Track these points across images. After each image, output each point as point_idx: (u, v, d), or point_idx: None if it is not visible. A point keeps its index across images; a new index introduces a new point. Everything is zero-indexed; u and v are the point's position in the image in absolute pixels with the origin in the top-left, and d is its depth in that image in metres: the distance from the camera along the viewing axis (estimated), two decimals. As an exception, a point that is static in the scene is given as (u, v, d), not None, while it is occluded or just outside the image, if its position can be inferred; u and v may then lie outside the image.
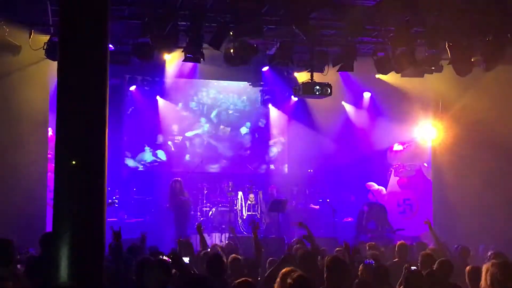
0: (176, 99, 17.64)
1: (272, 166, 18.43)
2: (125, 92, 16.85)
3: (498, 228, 12.83)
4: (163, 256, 6.03)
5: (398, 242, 9.44)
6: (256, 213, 16.06)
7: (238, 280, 5.42)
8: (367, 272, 7.04)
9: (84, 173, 4.62)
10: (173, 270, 5.95)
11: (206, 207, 15.99)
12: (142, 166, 17.40)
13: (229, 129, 18.18)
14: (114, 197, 15.16)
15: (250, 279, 5.54)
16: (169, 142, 17.69)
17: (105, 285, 5.20)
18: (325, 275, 5.90)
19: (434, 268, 6.91)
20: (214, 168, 17.91)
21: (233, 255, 7.89)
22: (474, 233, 12.66)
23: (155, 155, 17.56)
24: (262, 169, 18.23)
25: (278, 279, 6.01)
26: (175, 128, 17.73)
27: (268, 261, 8.03)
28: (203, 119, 17.96)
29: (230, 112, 18.17)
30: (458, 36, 11.77)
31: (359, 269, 7.30)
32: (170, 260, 5.76)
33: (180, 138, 17.78)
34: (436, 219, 15.65)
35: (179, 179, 15.17)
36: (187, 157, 17.76)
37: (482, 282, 5.85)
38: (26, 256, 7.86)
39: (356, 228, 15.08)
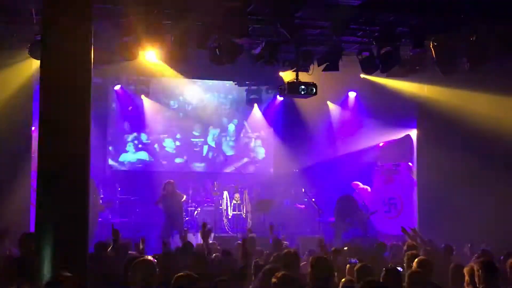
0: (161, 99, 17.57)
1: (257, 166, 18.43)
2: (110, 91, 16.77)
3: (483, 226, 12.91)
4: (148, 256, 6.00)
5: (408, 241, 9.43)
6: (242, 212, 16.05)
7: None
8: (351, 271, 7.05)
9: (67, 173, 4.59)
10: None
11: (191, 206, 15.95)
12: (126, 166, 17.33)
13: (214, 128, 18.14)
14: (101, 196, 15.09)
15: (224, 278, 5.53)
16: (154, 142, 17.63)
17: (90, 284, 5.17)
18: (309, 275, 5.90)
19: (413, 267, 6.91)
20: (199, 167, 17.88)
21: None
22: (459, 231, 12.72)
23: (139, 154, 17.50)
24: (247, 169, 18.22)
25: (260, 274, 5.99)
26: (159, 127, 17.67)
27: (253, 263, 7.99)
28: (188, 118, 17.91)
29: (215, 111, 18.13)
30: (443, 36, 11.83)
31: (347, 268, 7.33)
32: (155, 260, 5.74)
33: (165, 137, 17.72)
34: (421, 217, 15.76)
35: (172, 181, 15.00)
36: (172, 156, 17.71)
37: (465, 281, 5.90)
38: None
39: (334, 227, 15.06)
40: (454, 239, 10.80)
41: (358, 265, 6.81)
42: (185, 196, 15.12)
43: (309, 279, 5.88)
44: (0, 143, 12.25)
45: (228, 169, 17.81)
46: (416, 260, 7.06)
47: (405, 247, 9.17)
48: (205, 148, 18.03)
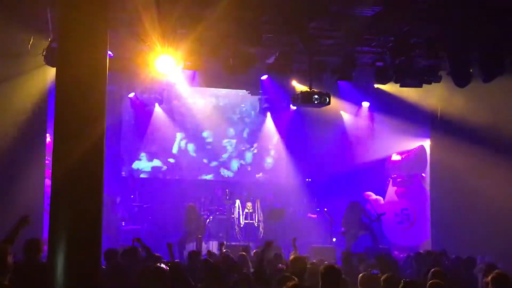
0: (174, 107, 17.62)
1: (270, 175, 18.41)
2: (124, 99, 16.85)
3: (496, 238, 12.81)
4: (161, 264, 6.00)
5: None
6: (254, 221, 16.03)
7: None
8: (364, 280, 7.03)
9: (81, 180, 4.61)
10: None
11: (203, 215, 15.96)
12: (139, 173, 17.37)
13: (227, 137, 18.16)
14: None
15: None
16: (167, 150, 17.67)
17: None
18: (320, 283, 5.88)
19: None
20: (211, 176, 17.88)
21: None
22: (472, 242, 12.64)
23: (152, 162, 17.54)
24: (260, 178, 18.21)
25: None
26: (173, 135, 17.70)
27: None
28: (201, 126, 17.93)
29: (228, 120, 18.16)
30: (457, 47, 11.80)
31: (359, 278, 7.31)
32: (168, 268, 5.74)
33: (177, 145, 17.75)
34: (434, 228, 15.66)
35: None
36: (185, 165, 17.74)
37: None
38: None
39: (344, 235, 15.00)
40: (467, 250, 10.72)
41: (385, 276, 6.75)
42: (202, 219, 15.25)
43: (320, 286, 5.87)
44: (15, 149, 12.32)
45: (241, 178, 17.75)
46: (431, 271, 7.04)
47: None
48: (217, 155, 18.04)
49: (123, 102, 16.94)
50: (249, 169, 18.18)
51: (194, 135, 17.91)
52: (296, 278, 6.08)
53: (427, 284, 6.46)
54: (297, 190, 17.58)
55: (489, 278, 5.97)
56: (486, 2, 10.29)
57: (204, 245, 14.73)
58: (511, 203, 13.62)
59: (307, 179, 17.75)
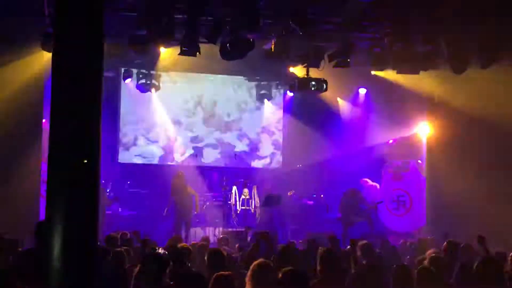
0: (171, 93, 17.55)
1: (266, 161, 18.40)
2: (120, 85, 16.79)
3: (492, 225, 12.84)
4: (158, 249, 6.01)
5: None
6: (250, 207, 16.06)
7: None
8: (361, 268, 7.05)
9: (77, 165, 4.60)
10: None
11: (200, 200, 15.96)
12: (136, 159, 17.34)
13: (224, 123, 18.11)
14: (107, 190, 15.14)
15: (227, 273, 5.35)
16: (164, 136, 17.63)
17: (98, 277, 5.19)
18: (318, 268, 5.90)
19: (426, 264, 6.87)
20: (208, 162, 17.86)
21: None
22: (468, 229, 12.67)
23: (149, 148, 17.51)
24: (256, 164, 18.20)
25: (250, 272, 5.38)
26: (169, 121, 17.65)
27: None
28: (198, 113, 17.89)
29: (225, 106, 18.10)
30: (455, 33, 11.78)
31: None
32: (166, 253, 5.74)
33: (174, 131, 17.69)
34: (430, 215, 15.70)
35: (180, 173, 15.04)
36: (182, 150, 17.71)
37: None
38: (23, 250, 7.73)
39: (341, 221, 15.02)
40: (463, 237, 10.75)
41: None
42: (197, 195, 15.16)
43: (318, 271, 5.88)
44: (11, 134, 12.32)
45: (238, 164, 17.73)
46: (429, 258, 7.07)
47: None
48: (214, 142, 18.01)
49: (120, 87, 16.88)
50: (246, 155, 18.15)
51: (191, 121, 17.82)
52: None
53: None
54: (293, 177, 17.57)
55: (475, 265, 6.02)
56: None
57: (200, 231, 14.79)
58: (508, 188, 13.67)
59: (297, 165, 17.63)
